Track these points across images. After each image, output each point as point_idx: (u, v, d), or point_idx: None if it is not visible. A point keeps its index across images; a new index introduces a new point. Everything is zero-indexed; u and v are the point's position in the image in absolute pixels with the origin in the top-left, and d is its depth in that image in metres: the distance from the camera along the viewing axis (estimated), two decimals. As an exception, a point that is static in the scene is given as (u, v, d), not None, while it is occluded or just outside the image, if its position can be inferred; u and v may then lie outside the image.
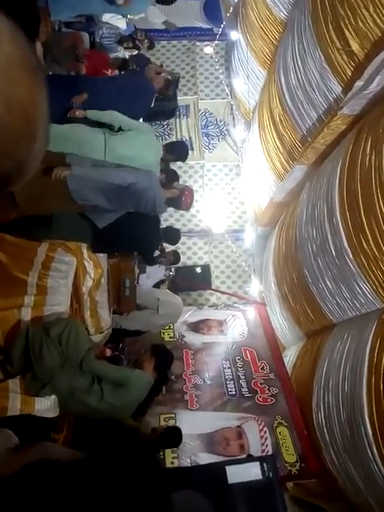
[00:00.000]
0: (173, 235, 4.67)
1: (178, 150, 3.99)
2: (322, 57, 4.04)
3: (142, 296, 3.96)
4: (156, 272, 4.30)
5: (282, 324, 5.31)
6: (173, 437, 3.09)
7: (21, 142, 0.43)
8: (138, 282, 3.97)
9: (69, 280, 3.13)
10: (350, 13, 3.50)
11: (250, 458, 2.66)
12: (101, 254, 3.50)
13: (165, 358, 3.25)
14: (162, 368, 3.17)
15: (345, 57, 3.77)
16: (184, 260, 6.63)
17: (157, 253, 4.24)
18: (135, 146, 3.30)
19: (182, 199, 3.62)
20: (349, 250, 3.45)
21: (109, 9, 4.36)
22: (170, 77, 6.06)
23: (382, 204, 3.07)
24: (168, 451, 3.43)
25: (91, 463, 0.63)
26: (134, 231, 3.34)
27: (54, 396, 2.73)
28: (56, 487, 0.58)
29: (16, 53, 0.41)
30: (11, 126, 0.41)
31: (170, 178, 3.89)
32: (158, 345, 3.52)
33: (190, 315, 5.16)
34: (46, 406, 2.67)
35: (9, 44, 0.40)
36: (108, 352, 3.12)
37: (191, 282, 6.32)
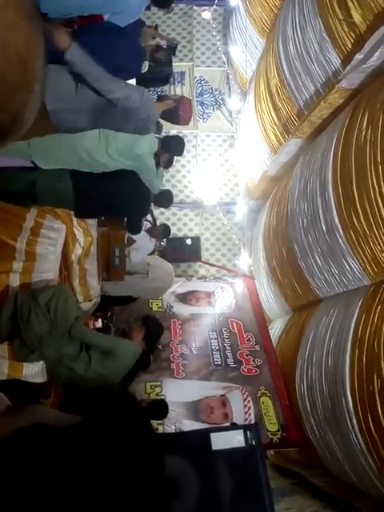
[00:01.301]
0: (165, 197, 4.51)
1: (174, 146, 3.79)
2: (323, 27, 3.94)
3: (131, 264, 3.96)
4: (146, 245, 4.27)
5: (269, 297, 5.37)
6: (159, 409, 3.15)
7: (17, 93, 0.40)
8: (129, 257, 3.94)
9: (58, 247, 3.11)
10: (353, -19, 3.40)
11: (234, 426, 2.73)
12: (90, 221, 3.46)
13: (155, 330, 3.27)
14: (151, 339, 3.20)
15: (346, 28, 3.68)
16: (174, 231, 6.61)
17: (148, 225, 4.20)
18: (131, 150, 3.13)
19: (179, 110, 3.35)
20: (339, 226, 3.46)
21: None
22: (165, 43, 5.87)
23: (375, 180, 3.06)
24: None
25: (86, 427, 0.64)
26: (120, 194, 3.22)
27: (41, 362, 2.75)
28: (48, 453, 0.58)
29: None
30: (7, 75, 0.38)
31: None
32: (150, 316, 3.53)
33: (179, 286, 5.19)
34: (33, 371, 2.70)
35: None
36: (99, 322, 3.12)
37: (181, 253, 6.31)
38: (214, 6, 7.64)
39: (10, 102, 0.40)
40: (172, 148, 3.62)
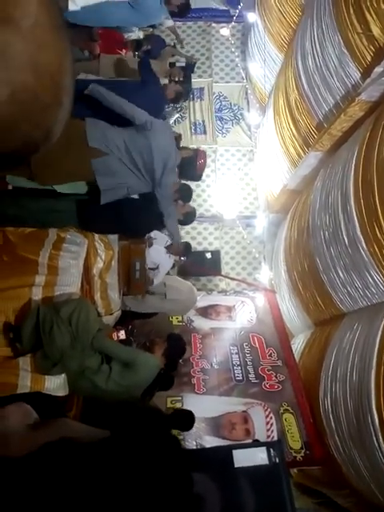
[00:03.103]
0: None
1: (181, 193, 3.90)
2: (342, 41, 3.94)
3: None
4: (164, 263, 4.27)
5: (291, 312, 5.30)
6: (185, 420, 3.12)
7: (48, 110, 0.41)
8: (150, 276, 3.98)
9: (80, 261, 3.15)
10: (372, -5, 3.40)
11: (257, 443, 2.68)
12: (112, 236, 3.51)
13: (176, 348, 3.28)
14: (171, 356, 3.20)
15: (365, 41, 3.68)
16: (194, 245, 6.61)
17: (168, 241, 4.21)
18: None
19: (196, 160, 3.53)
20: (362, 239, 3.41)
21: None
22: (184, 63, 5.97)
23: (398, 193, 3.02)
24: (174, 433, 3.48)
25: (116, 443, 0.63)
26: (124, 214, 3.32)
27: (63, 375, 2.76)
28: (75, 468, 0.58)
29: (43, 12, 0.38)
30: (40, 96, 0.39)
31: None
32: (175, 334, 3.56)
33: (199, 300, 5.16)
34: (55, 384, 2.71)
35: (35, 3, 0.38)
36: (122, 334, 3.14)
37: (201, 267, 6.30)
38: (233, 23, 7.74)
39: (43, 119, 0.41)
40: (179, 194, 3.69)
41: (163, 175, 3.22)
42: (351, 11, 3.72)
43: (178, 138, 4.18)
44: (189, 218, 3.71)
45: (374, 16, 3.47)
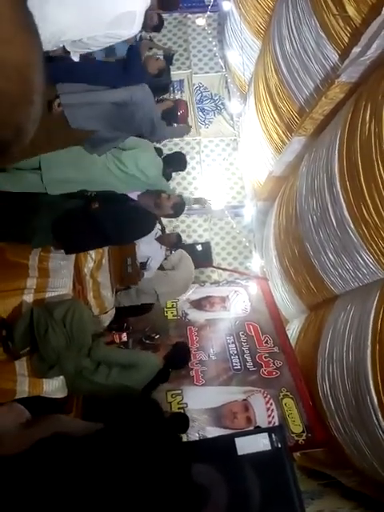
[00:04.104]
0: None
1: (176, 162, 3.95)
2: (318, 24, 3.93)
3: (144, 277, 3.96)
4: (158, 253, 4.26)
5: (284, 298, 5.33)
6: (179, 423, 3.14)
7: (18, 108, 0.40)
8: (145, 269, 3.96)
9: (70, 262, 3.13)
10: (345, -24, 3.39)
11: (259, 429, 2.69)
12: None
13: (178, 358, 3.29)
14: (172, 363, 3.20)
15: (341, 23, 3.67)
16: (184, 238, 6.58)
17: (159, 232, 4.20)
18: (137, 163, 3.28)
19: (177, 111, 3.51)
20: (350, 220, 3.42)
21: None
22: (162, 55, 5.91)
23: (382, 172, 3.03)
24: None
25: (109, 434, 0.63)
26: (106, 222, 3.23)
27: (61, 377, 2.76)
28: (69, 462, 0.58)
29: (7, 9, 0.38)
30: (7, 93, 0.38)
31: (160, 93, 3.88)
32: (182, 343, 3.59)
33: (193, 292, 5.17)
34: (54, 387, 2.70)
35: None
36: (124, 336, 3.13)
37: (192, 259, 6.29)
38: (208, 13, 7.68)
39: (12, 117, 0.41)
40: (175, 164, 3.67)
41: (153, 132, 3.19)
42: (325, -7, 3.71)
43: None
44: (178, 209, 3.68)
45: (349, -4, 3.46)
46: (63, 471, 0.54)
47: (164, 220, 5.30)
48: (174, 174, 4.38)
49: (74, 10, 2.33)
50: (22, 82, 0.40)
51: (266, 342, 4.47)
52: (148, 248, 4.02)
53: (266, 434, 2.23)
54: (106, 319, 3.53)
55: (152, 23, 4.02)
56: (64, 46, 2.56)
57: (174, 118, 3.57)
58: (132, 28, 2.61)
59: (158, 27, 4.29)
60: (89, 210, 2.85)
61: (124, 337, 3.19)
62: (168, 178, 3.90)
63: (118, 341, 3.15)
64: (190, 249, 6.73)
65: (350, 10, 3.50)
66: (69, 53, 2.68)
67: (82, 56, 3.03)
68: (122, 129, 3.03)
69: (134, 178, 3.28)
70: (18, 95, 0.40)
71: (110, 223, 2.89)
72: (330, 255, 3.85)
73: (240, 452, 2.19)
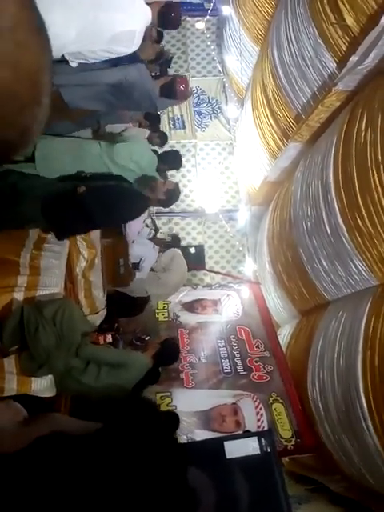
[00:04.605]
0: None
1: (171, 160, 3.94)
2: (316, 32, 3.96)
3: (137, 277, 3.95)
4: (150, 253, 4.25)
5: (276, 302, 5.34)
6: (169, 421, 3.12)
7: (26, 110, 0.41)
8: (138, 269, 3.95)
9: (62, 260, 3.10)
10: (345, -15, 3.43)
11: (248, 434, 2.69)
12: (94, 235, 3.47)
13: (168, 355, 3.26)
14: (161, 361, 3.19)
15: (339, 31, 3.70)
16: (177, 240, 6.60)
17: (151, 233, 4.19)
18: (131, 156, 3.27)
19: (175, 86, 3.45)
20: (344, 228, 3.44)
21: None
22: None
23: (377, 180, 3.06)
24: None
25: (107, 434, 0.62)
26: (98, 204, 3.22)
27: (50, 376, 2.73)
28: (69, 460, 0.57)
29: (22, 11, 0.38)
30: (19, 94, 0.39)
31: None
32: (171, 340, 3.53)
33: (185, 295, 5.17)
34: (42, 385, 2.68)
35: (14, 3, 0.37)
36: (109, 337, 3.11)
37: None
38: (207, 17, 7.71)
39: (20, 118, 0.41)
40: (170, 162, 3.67)
41: (152, 107, 3.21)
42: (325, 2, 3.74)
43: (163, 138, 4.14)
44: (171, 195, 3.63)
45: (348, 6, 3.49)
46: (62, 469, 0.53)
47: (158, 222, 5.30)
48: (169, 176, 4.37)
49: (77, 26, 2.37)
50: (32, 85, 0.41)
51: (257, 347, 4.47)
52: (141, 248, 4.01)
53: (255, 438, 2.23)
54: (97, 319, 3.51)
55: (152, 37, 4.03)
56: (63, 54, 2.57)
57: (173, 93, 3.46)
58: (131, 46, 2.66)
59: (157, 41, 4.30)
60: (75, 195, 2.84)
61: (109, 338, 3.16)
62: (162, 175, 3.89)
63: (102, 342, 3.12)
64: (183, 251, 6.75)
65: (349, 20, 3.53)
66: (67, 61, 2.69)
67: None
68: (121, 107, 3.03)
69: (128, 171, 3.27)
70: (27, 97, 0.41)
71: (96, 206, 2.88)
72: (323, 262, 3.87)
73: (229, 455, 2.19)
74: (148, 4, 2.76)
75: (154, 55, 3.56)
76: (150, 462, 0.62)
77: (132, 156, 3.26)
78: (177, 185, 3.74)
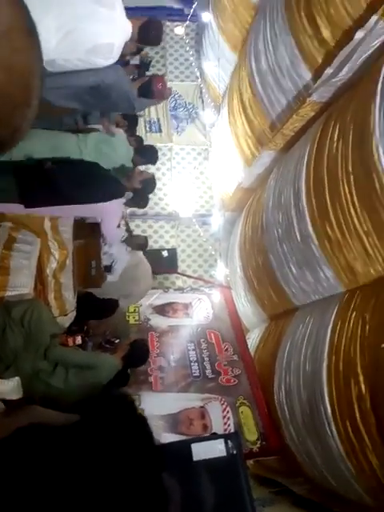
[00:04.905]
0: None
1: (148, 154, 4.05)
2: (294, 43, 4.05)
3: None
4: (123, 256, 4.23)
5: (246, 307, 5.41)
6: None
7: (18, 110, 0.43)
8: (110, 272, 3.93)
9: (33, 261, 3.07)
10: (322, 0, 3.52)
11: (215, 436, 2.72)
12: (66, 235, 3.43)
13: (137, 357, 3.28)
14: (131, 363, 3.19)
15: (316, 44, 3.80)
16: (150, 243, 6.59)
17: (125, 235, 4.18)
18: (109, 143, 3.33)
19: (152, 86, 3.40)
20: (313, 235, 3.52)
21: None
22: (138, 60, 5.92)
23: (347, 190, 3.14)
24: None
25: (85, 426, 0.63)
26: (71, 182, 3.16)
27: (17, 377, 2.69)
28: (49, 452, 0.58)
29: (16, 15, 0.40)
30: (11, 96, 0.41)
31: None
32: (141, 341, 3.54)
33: (156, 298, 5.17)
34: (9, 387, 2.63)
35: (8, 5, 0.39)
36: (79, 339, 3.07)
37: (157, 265, 6.29)
38: (187, 22, 7.76)
39: (12, 118, 0.43)
40: (147, 156, 3.70)
41: (130, 108, 3.26)
42: (302, 15, 3.84)
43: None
44: (147, 185, 3.67)
45: (325, 20, 3.60)
46: (41, 460, 0.54)
47: (131, 224, 5.28)
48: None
49: (58, 35, 2.37)
50: (24, 88, 0.42)
51: (226, 350, 4.52)
52: (114, 250, 4.00)
53: (222, 441, 2.25)
54: (66, 321, 3.47)
55: (130, 51, 4.06)
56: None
57: (150, 93, 3.49)
58: (109, 58, 2.68)
59: (135, 54, 4.33)
60: (43, 168, 2.90)
61: (78, 340, 3.12)
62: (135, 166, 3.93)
63: (71, 344, 3.09)
64: (156, 254, 6.74)
65: (325, 33, 3.64)
66: None
67: None
68: (99, 108, 3.06)
69: (104, 159, 3.29)
70: (19, 99, 0.42)
71: (64, 180, 2.96)
72: (292, 268, 3.94)
73: (196, 458, 2.21)
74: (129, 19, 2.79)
75: (135, 48, 3.57)
76: (130, 452, 0.63)
77: (109, 144, 3.30)
78: (153, 176, 3.82)
